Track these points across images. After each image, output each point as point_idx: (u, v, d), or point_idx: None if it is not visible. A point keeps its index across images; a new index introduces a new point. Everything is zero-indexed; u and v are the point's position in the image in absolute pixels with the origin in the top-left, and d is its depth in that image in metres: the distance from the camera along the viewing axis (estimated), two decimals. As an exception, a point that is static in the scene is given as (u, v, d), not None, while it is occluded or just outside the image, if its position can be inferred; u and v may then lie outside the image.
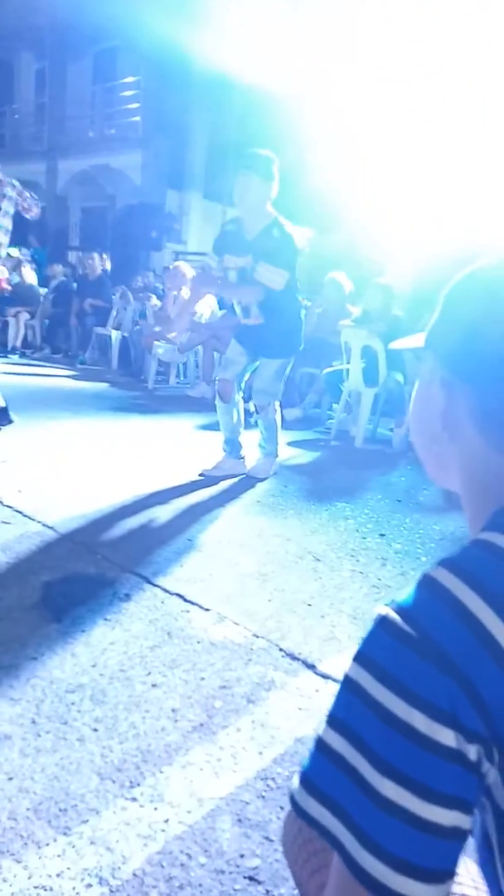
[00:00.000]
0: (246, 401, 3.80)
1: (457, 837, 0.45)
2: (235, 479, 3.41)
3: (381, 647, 0.47)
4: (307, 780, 0.49)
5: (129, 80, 12.59)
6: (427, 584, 0.48)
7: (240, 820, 1.19)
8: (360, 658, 0.48)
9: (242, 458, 3.50)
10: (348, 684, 0.48)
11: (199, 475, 3.37)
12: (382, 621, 0.47)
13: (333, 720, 0.49)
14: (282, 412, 3.60)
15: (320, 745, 0.49)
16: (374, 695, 0.46)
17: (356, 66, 7.18)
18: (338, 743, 0.48)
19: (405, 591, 0.48)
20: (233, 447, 3.46)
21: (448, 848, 0.45)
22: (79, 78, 13.86)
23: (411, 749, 0.44)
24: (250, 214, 3.12)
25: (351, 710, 0.47)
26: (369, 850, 0.45)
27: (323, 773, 0.48)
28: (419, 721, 0.43)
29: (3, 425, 3.96)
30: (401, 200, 6.86)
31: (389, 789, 0.44)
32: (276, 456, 3.58)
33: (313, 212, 7.75)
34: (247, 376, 3.48)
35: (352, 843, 0.46)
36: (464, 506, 0.58)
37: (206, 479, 3.34)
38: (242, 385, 3.48)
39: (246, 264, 3.15)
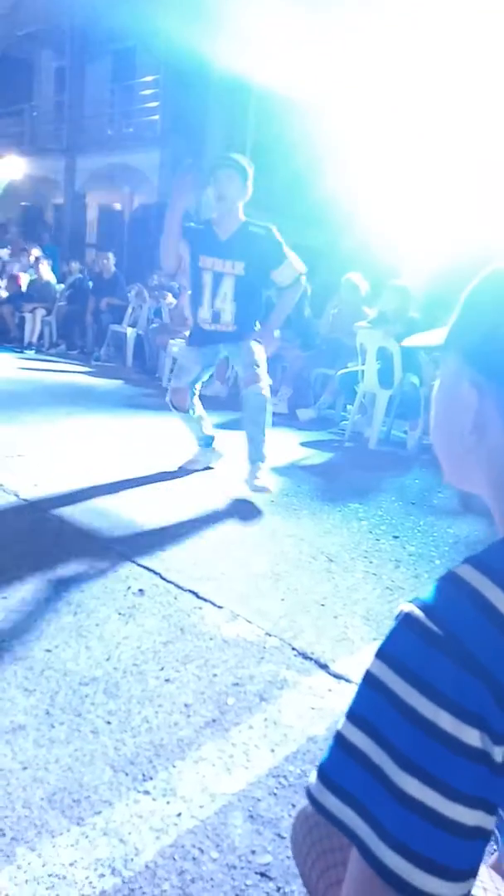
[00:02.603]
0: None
1: (480, 837, 0.44)
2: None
3: (405, 645, 0.46)
4: (325, 775, 0.49)
5: (148, 79, 12.64)
6: (452, 581, 0.47)
7: (252, 816, 1.19)
8: (383, 655, 0.48)
9: (214, 449, 3.48)
10: (371, 681, 0.48)
11: (178, 468, 3.39)
12: (407, 618, 0.47)
13: (354, 716, 0.49)
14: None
15: (340, 740, 0.49)
16: (398, 693, 0.45)
17: (372, 69, 7.16)
18: (359, 739, 0.47)
19: (429, 588, 0.48)
20: (205, 441, 3.46)
21: (470, 847, 0.44)
22: (98, 77, 13.94)
23: (436, 748, 0.43)
24: (227, 214, 3.08)
25: (374, 707, 0.47)
26: (390, 846, 0.44)
27: (343, 768, 0.48)
28: (445, 721, 0.43)
29: None
30: (416, 202, 6.84)
31: (412, 786, 0.44)
32: (264, 460, 3.09)
33: (328, 214, 7.74)
34: (198, 385, 3.33)
35: (372, 839, 0.45)
36: (491, 507, 0.58)
37: (222, 478, 3.34)
38: (196, 392, 3.33)
39: (224, 269, 3.09)
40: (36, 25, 13.73)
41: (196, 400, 3.35)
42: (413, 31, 6.76)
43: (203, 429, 3.42)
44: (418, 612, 0.46)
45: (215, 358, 3.31)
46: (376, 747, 0.46)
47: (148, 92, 12.71)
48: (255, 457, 3.09)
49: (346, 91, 7.43)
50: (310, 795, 0.50)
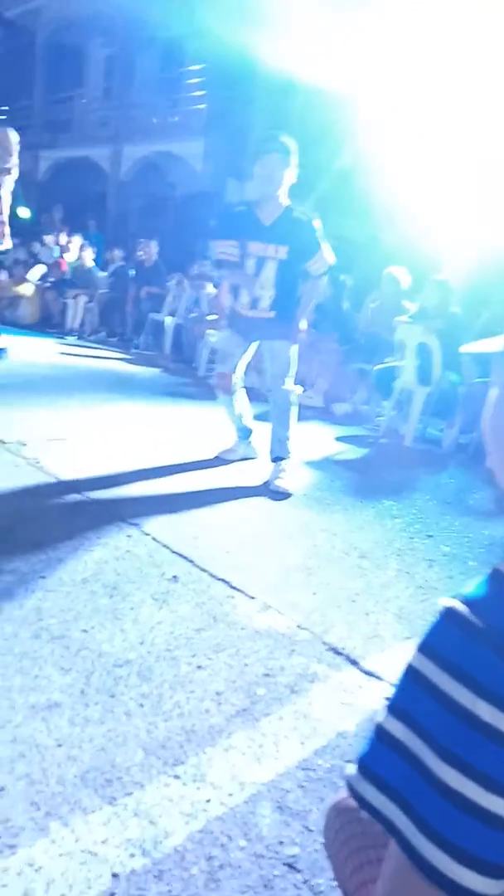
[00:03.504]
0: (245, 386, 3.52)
1: None
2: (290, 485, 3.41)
3: (446, 638, 0.47)
4: (365, 766, 0.50)
5: (195, 68, 12.62)
6: (496, 578, 0.48)
7: (280, 807, 1.20)
8: (424, 648, 0.48)
9: (251, 442, 3.49)
10: (411, 673, 0.48)
11: (215, 457, 3.42)
12: (448, 612, 0.48)
13: (394, 708, 0.49)
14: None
15: (380, 732, 0.49)
16: (437, 684, 0.46)
17: (418, 62, 7.02)
18: (398, 730, 0.48)
19: (471, 585, 0.49)
20: (244, 432, 3.47)
21: None
22: (146, 66, 13.97)
23: (475, 738, 0.44)
24: (271, 199, 3.03)
25: (414, 699, 0.48)
26: (429, 838, 0.45)
27: (382, 759, 0.49)
28: (484, 710, 0.44)
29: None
30: (458, 196, 6.70)
31: (451, 777, 0.44)
32: (288, 457, 3.13)
33: (371, 207, 7.64)
34: (242, 365, 3.30)
35: (411, 831, 0.46)
36: None
37: (255, 469, 3.35)
38: (242, 378, 3.34)
39: (267, 253, 3.05)
40: (87, 13, 13.83)
41: (241, 391, 3.37)
42: (461, 22, 6.60)
43: (244, 419, 3.43)
44: (461, 607, 0.47)
45: (266, 340, 3.26)
46: (416, 738, 0.47)
47: (194, 81, 12.69)
48: (279, 453, 3.16)
49: (392, 86, 7.31)
50: (350, 786, 0.50)
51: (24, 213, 11.27)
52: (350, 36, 7.45)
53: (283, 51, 8.12)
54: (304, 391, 5.65)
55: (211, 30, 10.18)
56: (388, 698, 0.50)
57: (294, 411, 3.23)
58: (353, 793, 0.50)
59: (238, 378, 3.31)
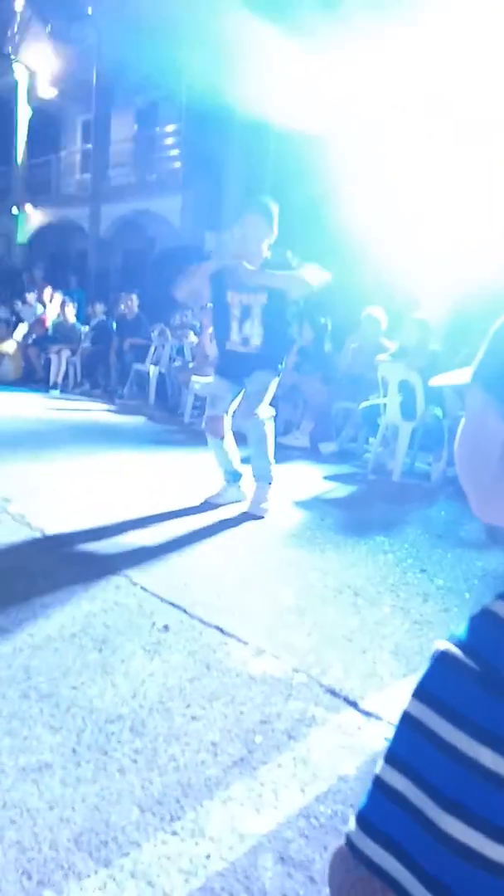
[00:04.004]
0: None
1: None
2: (271, 511, 3.40)
3: (442, 682, 0.46)
4: (365, 819, 0.48)
5: (170, 128, 13.14)
6: (486, 617, 0.47)
7: (282, 858, 1.16)
8: (419, 693, 0.47)
9: (240, 485, 3.52)
10: (408, 721, 0.47)
11: (203, 502, 3.43)
12: (442, 656, 0.47)
13: (392, 758, 0.48)
14: (275, 432, 3.47)
15: (379, 783, 0.48)
16: (436, 730, 0.45)
17: (387, 104, 7.36)
18: (398, 781, 0.46)
19: (463, 626, 0.48)
20: (233, 476, 3.50)
21: None
22: (122, 128, 14.53)
23: (477, 784, 0.43)
24: (253, 256, 3.24)
25: (412, 747, 0.46)
26: (430, 890, 0.43)
27: (382, 812, 0.47)
28: (486, 756, 0.43)
29: None
30: (433, 234, 6.92)
31: (454, 827, 0.43)
32: (271, 482, 3.36)
33: (346, 248, 7.87)
34: (229, 417, 3.42)
35: (413, 885, 0.44)
36: None
37: (247, 513, 3.34)
38: (229, 425, 3.43)
39: (249, 301, 3.25)
40: (65, 80, 14.44)
41: (229, 434, 3.43)
42: (426, 66, 6.95)
43: (232, 463, 3.46)
44: (454, 650, 0.46)
45: (241, 385, 3.39)
46: (416, 789, 0.45)
47: (170, 141, 13.19)
48: (261, 474, 3.34)
49: (362, 127, 7.63)
50: (349, 842, 0.49)
51: (20, 263, 11.37)
52: (320, 76, 7.81)
53: (255, 102, 8.48)
54: (290, 433, 5.71)
55: (184, 90, 10.65)
56: (386, 748, 0.49)
57: (270, 437, 3.35)
58: (354, 849, 0.49)
59: (227, 422, 3.37)
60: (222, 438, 3.38)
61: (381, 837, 0.47)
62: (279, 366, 3.38)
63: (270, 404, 3.36)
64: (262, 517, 3.24)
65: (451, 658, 0.46)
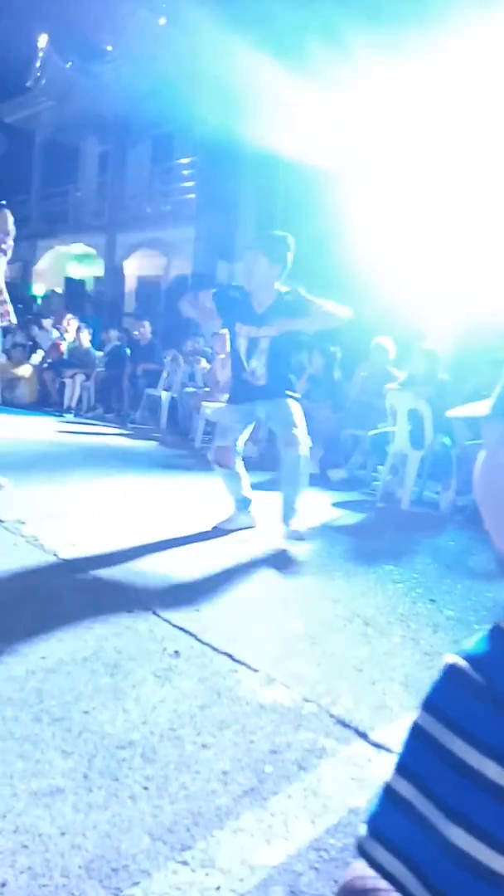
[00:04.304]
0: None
1: None
2: (280, 538, 3.41)
3: (449, 696, 0.48)
4: (375, 826, 0.50)
5: (185, 161, 13.47)
6: (497, 634, 0.49)
7: (293, 892, 1.15)
8: (427, 705, 0.49)
9: (250, 511, 3.52)
10: (417, 732, 0.49)
11: (213, 528, 3.42)
12: (451, 670, 0.48)
13: (402, 767, 0.50)
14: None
15: (388, 791, 0.50)
16: (442, 742, 0.46)
17: (395, 139, 7.53)
18: (406, 790, 0.48)
19: (474, 640, 0.50)
20: (243, 503, 3.50)
21: None
22: (138, 160, 14.91)
23: (482, 798, 0.44)
24: (258, 293, 3.29)
25: (419, 757, 0.48)
26: None
27: (390, 819, 0.49)
28: (492, 770, 0.44)
29: None
30: (440, 265, 7.02)
31: (459, 838, 0.44)
32: (293, 516, 3.22)
33: (355, 279, 7.98)
34: (242, 441, 3.44)
35: (420, 892, 0.46)
36: None
37: (254, 538, 3.35)
38: (240, 450, 3.45)
39: (259, 334, 3.27)
40: (82, 114, 14.88)
41: (238, 461, 3.44)
42: (433, 101, 7.12)
43: (242, 490, 3.47)
44: (462, 663, 0.48)
45: (253, 416, 3.42)
46: (423, 798, 0.47)
47: (185, 172, 13.51)
48: (289, 515, 3.24)
49: (370, 162, 7.80)
50: (360, 847, 0.50)
51: (38, 290, 11.63)
52: (329, 113, 8.01)
53: (267, 135, 8.70)
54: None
55: (197, 123, 10.95)
56: (397, 758, 0.51)
57: (306, 472, 3.26)
58: (364, 853, 0.50)
59: (238, 448, 3.40)
60: (232, 469, 3.40)
61: (389, 844, 0.48)
62: (290, 391, 3.37)
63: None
64: (302, 541, 3.19)
65: (458, 671, 0.47)
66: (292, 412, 3.27)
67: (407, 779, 0.49)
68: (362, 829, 0.51)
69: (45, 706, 1.65)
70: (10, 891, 1.11)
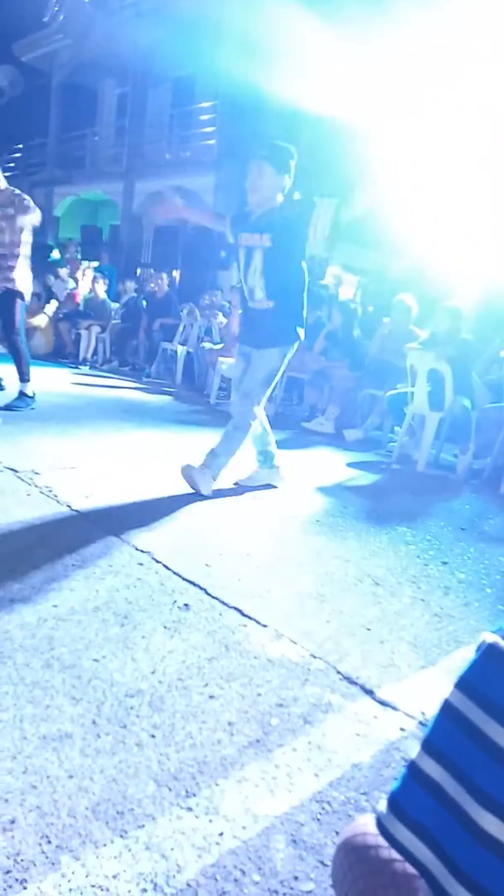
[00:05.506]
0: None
1: None
2: (293, 497, 3.41)
3: (487, 676, 0.45)
4: (398, 805, 0.48)
5: (205, 105, 12.99)
6: None
7: (294, 841, 1.17)
8: (463, 686, 0.46)
9: (276, 467, 3.50)
10: (450, 711, 0.46)
11: (234, 484, 3.41)
12: (490, 649, 0.45)
13: (431, 747, 0.47)
14: (263, 420, 3.36)
15: (415, 771, 0.47)
16: (478, 724, 0.44)
17: (424, 94, 7.19)
18: (435, 771, 0.46)
19: None
20: (266, 457, 3.47)
21: None
22: (158, 103, 14.41)
23: None
24: (261, 203, 3.14)
25: (450, 738, 0.46)
26: (463, 885, 0.43)
27: (416, 799, 0.47)
28: None
29: None
30: (467, 224, 6.78)
31: (490, 823, 0.42)
32: (217, 474, 3.17)
33: (380, 236, 7.74)
34: (264, 399, 3.33)
35: (444, 876, 0.44)
36: None
37: (268, 496, 3.35)
38: (263, 405, 3.35)
39: (252, 242, 3.15)
40: (100, 55, 14.33)
41: (262, 415, 3.37)
42: (463, 52, 6.76)
43: (266, 444, 3.43)
44: (503, 643, 0.45)
45: (254, 349, 3.27)
46: (454, 781, 0.45)
47: (205, 117, 13.06)
48: (212, 463, 3.16)
49: (401, 115, 7.47)
50: (380, 824, 0.49)
51: (55, 254, 11.52)
52: (357, 65, 7.66)
53: (292, 84, 8.36)
54: (315, 418, 5.68)
55: (220, 67, 10.51)
56: (424, 734, 0.48)
57: (243, 436, 3.21)
58: (383, 831, 0.48)
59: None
60: (253, 420, 3.33)
61: (413, 824, 0.46)
62: (292, 336, 3.17)
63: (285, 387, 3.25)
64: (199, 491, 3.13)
65: (498, 651, 0.45)
66: (260, 371, 3.17)
67: (435, 759, 0.46)
68: (382, 806, 0.49)
69: (56, 653, 1.67)
70: (20, 827, 1.14)
